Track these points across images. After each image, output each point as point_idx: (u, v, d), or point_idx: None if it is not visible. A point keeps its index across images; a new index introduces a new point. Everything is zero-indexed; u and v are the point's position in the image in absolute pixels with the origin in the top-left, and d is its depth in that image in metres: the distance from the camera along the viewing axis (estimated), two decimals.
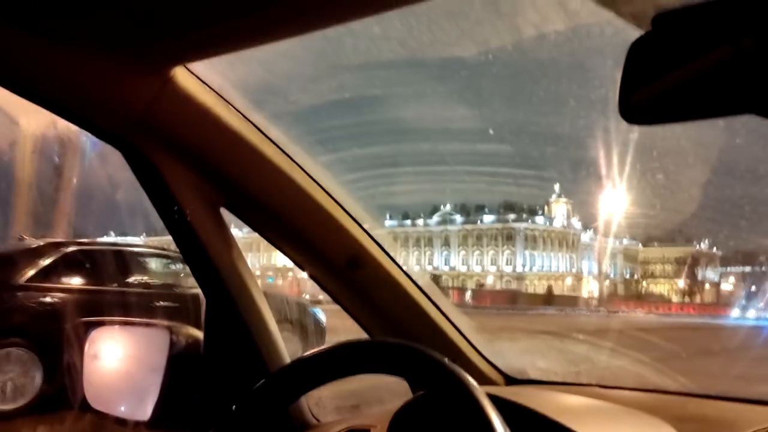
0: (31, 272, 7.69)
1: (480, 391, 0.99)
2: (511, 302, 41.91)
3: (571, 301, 49.48)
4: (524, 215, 57.67)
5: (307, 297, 12.76)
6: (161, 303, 8.12)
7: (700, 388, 1.75)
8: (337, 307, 1.84)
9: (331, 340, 1.52)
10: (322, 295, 1.97)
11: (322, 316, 10.14)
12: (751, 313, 38.29)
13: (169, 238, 1.64)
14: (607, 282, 60.81)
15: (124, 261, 8.70)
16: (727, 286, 55.46)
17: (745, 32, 0.71)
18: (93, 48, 1.26)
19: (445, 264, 59.34)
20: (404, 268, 1.76)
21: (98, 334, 1.74)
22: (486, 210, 58.83)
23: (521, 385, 1.83)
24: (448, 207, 60.11)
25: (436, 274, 56.37)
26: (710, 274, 57.45)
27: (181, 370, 1.58)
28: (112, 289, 8.00)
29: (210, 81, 1.45)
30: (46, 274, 7.80)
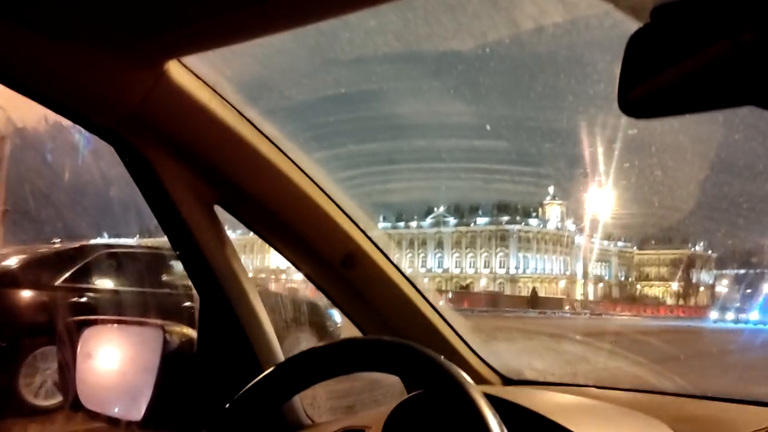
0: (66, 274, 7.79)
1: (476, 390, 0.98)
2: (491, 304, 41.61)
3: (556, 303, 49.16)
4: (518, 217, 57.68)
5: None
6: (188, 303, 8.15)
7: (698, 389, 1.75)
8: None
9: None
10: None
11: (337, 318, 10.22)
12: (730, 316, 38.25)
13: (163, 239, 1.63)
14: (601, 284, 60.87)
15: (155, 262, 8.73)
16: (721, 288, 55.56)
17: (744, 24, 0.70)
18: (85, 41, 1.25)
19: (439, 266, 59.34)
20: (400, 267, 1.75)
21: (91, 333, 1.73)
22: (480, 212, 58.82)
23: (518, 386, 1.83)
24: (442, 209, 60.13)
25: (429, 276, 56.39)
26: (705, 276, 57.57)
27: (174, 369, 1.57)
28: (143, 290, 8.04)
29: (204, 75, 1.44)
30: (80, 275, 7.91)
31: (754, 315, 36.14)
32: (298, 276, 1.81)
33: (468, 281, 57.65)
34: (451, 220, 59.65)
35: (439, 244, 59.86)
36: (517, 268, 57.92)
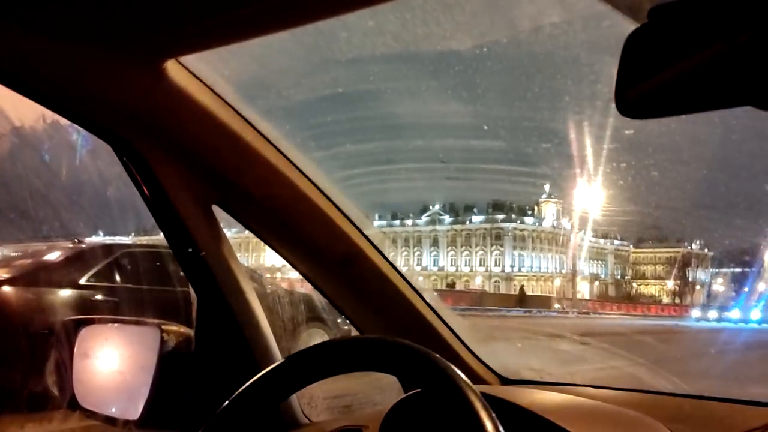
0: (90, 272, 7.81)
1: (473, 389, 0.98)
2: (475, 303, 41.04)
3: (543, 302, 48.61)
4: (513, 215, 57.64)
5: None
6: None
7: (695, 389, 1.76)
8: None
9: None
10: None
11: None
12: (713, 315, 38.05)
13: (159, 237, 1.62)
14: (597, 283, 60.88)
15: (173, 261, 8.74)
16: (718, 287, 55.55)
17: (741, 25, 0.71)
18: (83, 41, 1.25)
19: (434, 264, 59.31)
20: (397, 267, 1.75)
21: (88, 333, 1.73)
22: (475, 210, 58.75)
23: (515, 386, 1.83)
24: (437, 207, 60.10)
25: (425, 274, 56.30)
26: (701, 274, 57.60)
27: (171, 368, 1.57)
28: (165, 288, 8.08)
29: (202, 75, 1.44)
30: (104, 274, 7.93)
31: (734, 314, 36.06)
32: (294, 274, 1.81)
33: (451, 279, 57.56)
34: (447, 219, 59.63)
35: (435, 243, 59.83)
36: (512, 266, 57.91)
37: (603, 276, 61.67)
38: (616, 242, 61.91)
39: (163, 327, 1.60)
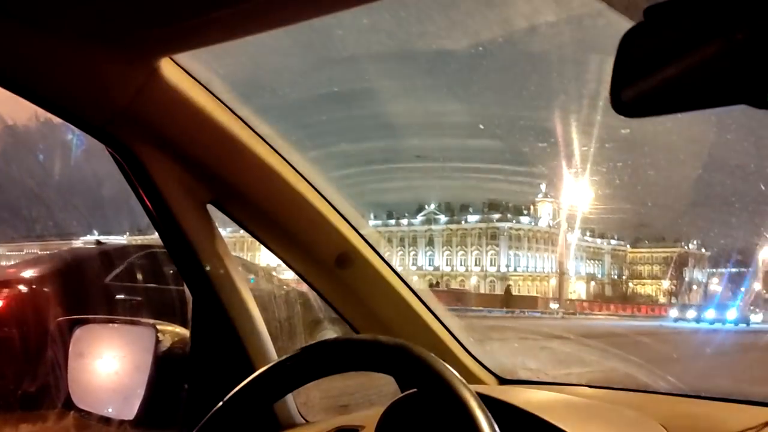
0: (114, 272, 8.02)
1: (469, 389, 0.98)
2: (458, 302, 40.35)
3: (529, 303, 47.79)
4: (509, 215, 57.51)
5: None
6: None
7: (690, 388, 1.76)
8: None
9: None
10: None
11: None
12: (691, 314, 37.67)
13: (153, 236, 1.62)
14: (594, 283, 60.79)
15: None
16: (714, 286, 55.47)
17: (736, 24, 0.71)
18: (76, 38, 1.24)
19: (430, 264, 59.20)
20: (393, 266, 1.75)
21: (83, 333, 1.73)
22: (470, 209, 58.59)
23: (512, 385, 1.83)
24: (433, 206, 59.99)
25: (420, 274, 56.16)
26: (698, 274, 57.56)
27: (166, 368, 1.56)
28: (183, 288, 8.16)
29: (196, 73, 1.44)
30: (126, 274, 8.11)
31: (710, 314, 35.92)
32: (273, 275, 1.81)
33: (433, 279, 57.36)
34: (442, 218, 59.51)
35: (430, 242, 59.71)
36: (508, 266, 57.78)
37: (600, 276, 61.55)
38: (613, 242, 61.80)
39: (158, 327, 1.60)
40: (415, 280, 1.85)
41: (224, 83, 1.50)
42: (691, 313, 37.20)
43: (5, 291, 7.39)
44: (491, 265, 58.19)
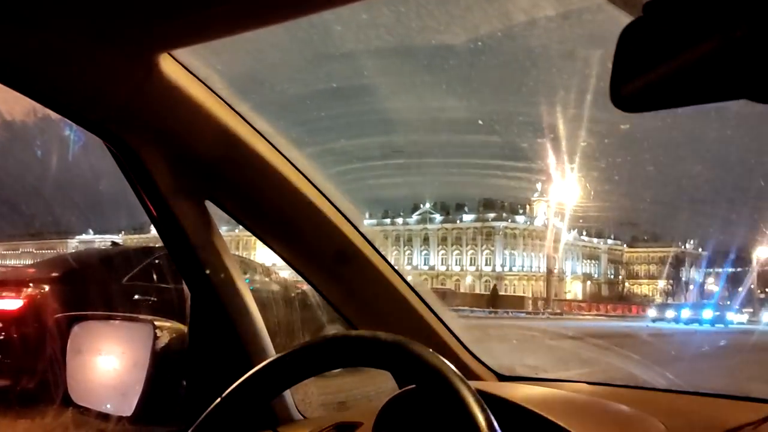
0: (131, 272, 8.07)
1: (467, 385, 0.98)
2: (441, 301, 39.79)
3: (516, 302, 47.10)
4: (504, 214, 57.39)
5: None
6: None
7: (689, 384, 1.76)
8: None
9: None
10: None
11: None
12: (670, 314, 37.12)
13: (149, 236, 1.62)
14: (590, 283, 60.65)
15: None
16: (711, 286, 55.33)
17: (736, 18, 0.71)
18: (75, 34, 1.24)
19: (425, 264, 59.08)
20: (391, 263, 1.75)
21: (81, 329, 1.73)
22: (466, 209, 58.52)
23: (510, 382, 1.83)
24: (428, 205, 59.90)
25: (415, 273, 55.96)
26: (694, 274, 57.47)
27: (165, 364, 1.56)
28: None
29: (195, 69, 1.44)
30: (143, 274, 8.15)
31: (685, 313, 35.65)
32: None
33: (425, 278, 57.16)
34: (437, 217, 59.43)
35: (425, 241, 59.62)
36: (503, 265, 57.68)
37: (596, 276, 61.44)
38: (610, 241, 61.72)
39: (156, 323, 1.60)
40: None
41: (222, 78, 1.50)
42: (669, 313, 36.86)
43: (25, 291, 7.47)
44: (486, 264, 58.06)
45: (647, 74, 0.79)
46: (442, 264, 59.30)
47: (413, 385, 1.31)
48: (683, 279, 57.16)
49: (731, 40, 0.71)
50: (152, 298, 7.79)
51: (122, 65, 1.33)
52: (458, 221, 58.95)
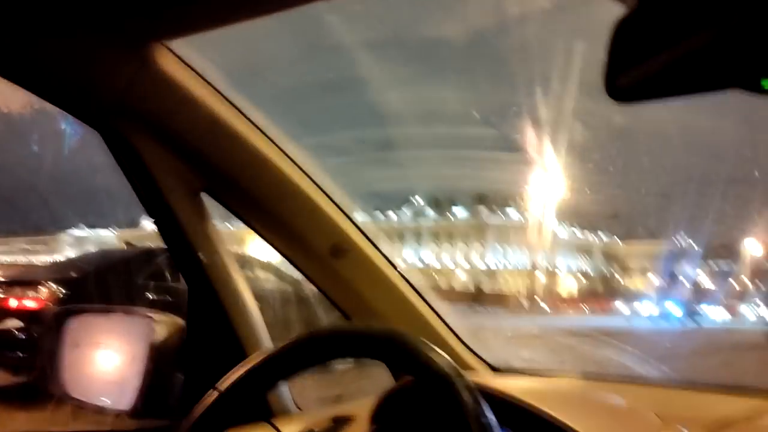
0: (147, 272, 8.20)
1: (464, 378, 0.98)
2: None
3: (499, 300, 45.95)
4: (497, 209, 57.27)
5: None
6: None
7: (683, 378, 1.77)
8: None
9: None
10: None
11: None
12: (647, 310, 36.68)
13: (142, 231, 1.62)
14: (583, 278, 60.55)
15: None
16: (704, 281, 55.27)
17: (729, 9, 0.72)
18: (68, 25, 1.24)
19: (417, 260, 58.96)
20: (388, 256, 1.76)
21: (78, 323, 1.73)
22: (458, 204, 58.49)
23: (505, 375, 1.84)
24: (420, 201, 59.82)
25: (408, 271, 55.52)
26: (687, 269, 57.45)
27: (162, 358, 1.57)
28: None
29: (191, 60, 1.44)
30: (157, 274, 8.24)
31: (649, 307, 35.31)
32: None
33: (447, 275, 57.05)
34: (430, 213, 59.34)
35: (418, 238, 59.55)
36: (496, 262, 57.64)
37: (590, 271, 61.41)
38: (603, 236, 61.69)
39: (153, 316, 1.60)
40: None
41: (218, 69, 1.50)
42: (643, 308, 36.49)
43: (44, 292, 7.63)
44: (479, 260, 57.99)
45: (641, 65, 0.79)
46: (435, 260, 59.17)
47: (408, 377, 1.32)
48: (677, 274, 57.14)
49: (726, 31, 0.72)
50: (168, 297, 7.84)
51: (117, 56, 1.33)
52: (451, 217, 58.81)
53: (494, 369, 1.85)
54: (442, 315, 1.80)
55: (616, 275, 60.72)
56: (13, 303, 7.64)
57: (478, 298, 43.58)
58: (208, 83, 1.47)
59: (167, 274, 8.22)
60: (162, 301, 7.69)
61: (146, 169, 1.50)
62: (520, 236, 55.67)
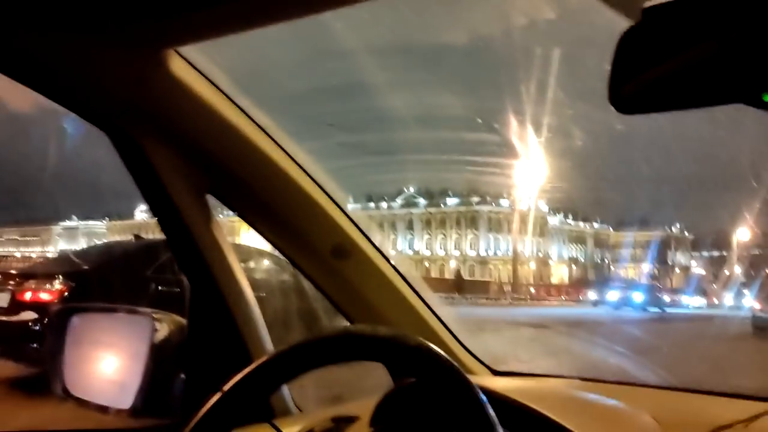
0: (155, 265, 8.15)
1: (468, 380, 0.99)
2: None
3: (481, 287, 45.78)
4: (489, 198, 57.23)
5: None
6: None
7: (680, 382, 1.78)
8: None
9: None
10: None
11: None
12: (613, 296, 36.09)
13: (132, 222, 1.62)
14: (575, 267, 60.65)
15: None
16: (698, 270, 55.31)
17: (732, 24, 0.73)
18: (81, 30, 1.24)
19: (409, 248, 58.91)
20: (389, 257, 1.76)
21: (80, 321, 1.73)
22: (450, 193, 58.42)
23: (504, 377, 1.85)
24: (412, 190, 59.74)
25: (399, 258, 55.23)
26: (681, 258, 57.53)
27: (163, 357, 1.57)
28: None
29: (200, 65, 1.44)
30: (167, 266, 8.08)
31: (612, 295, 34.91)
32: None
33: (440, 263, 57.06)
34: (422, 201, 59.26)
35: (410, 226, 59.45)
36: (487, 250, 57.62)
37: (582, 259, 61.45)
38: (596, 225, 61.72)
39: (155, 316, 1.60)
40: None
41: (226, 74, 1.51)
42: (611, 296, 36.03)
43: (57, 284, 7.65)
44: (470, 248, 57.96)
45: (645, 77, 0.81)
46: (426, 248, 59.14)
47: (409, 379, 1.32)
48: (668, 262, 57.21)
49: (728, 45, 0.73)
50: (176, 289, 7.83)
51: (129, 60, 1.34)
52: (443, 205, 58.70)
53: (493, 371, 1.85)
54: (443, 318, 1.81)
55: (617, 264, 60.56)
56: (27, 296, 7.65)
57: (458, 286, 42.80)
58: (217, 87, 1.48)
59: (175, 266, 8.23)
60: (170, 293, 7.67)
61: (153, 170, 1.50)
62: (520, 226, 55.41)
